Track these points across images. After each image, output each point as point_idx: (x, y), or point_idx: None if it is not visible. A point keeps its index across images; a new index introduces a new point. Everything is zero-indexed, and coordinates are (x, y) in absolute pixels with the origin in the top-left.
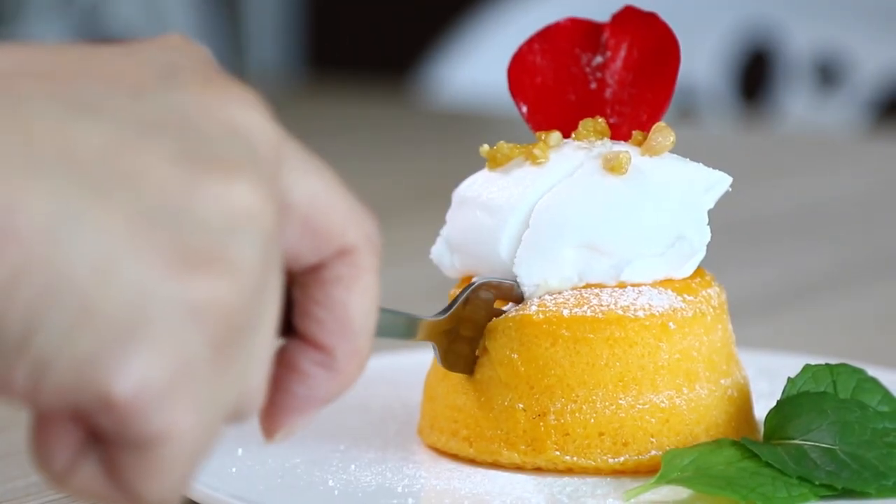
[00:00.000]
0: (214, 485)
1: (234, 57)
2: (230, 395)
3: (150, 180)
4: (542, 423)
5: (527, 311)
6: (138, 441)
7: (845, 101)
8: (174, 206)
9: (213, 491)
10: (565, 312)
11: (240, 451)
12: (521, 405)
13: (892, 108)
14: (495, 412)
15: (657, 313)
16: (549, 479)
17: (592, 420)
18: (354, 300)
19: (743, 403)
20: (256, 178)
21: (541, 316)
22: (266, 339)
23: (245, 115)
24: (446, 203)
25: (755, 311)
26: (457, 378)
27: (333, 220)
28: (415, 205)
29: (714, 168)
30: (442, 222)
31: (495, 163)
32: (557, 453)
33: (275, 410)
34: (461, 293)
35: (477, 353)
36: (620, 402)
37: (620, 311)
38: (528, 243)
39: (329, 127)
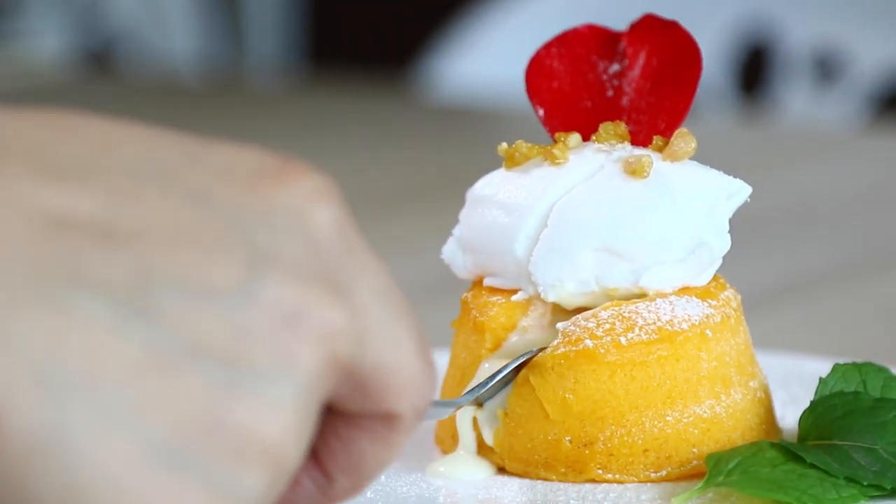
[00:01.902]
0: None
1: (233, 51)
2: None
3: (168, 411)
4: (587, 450)
5: (582, 346)
6: None
7: (844, 95)
8: (181, 444)
9: None
10: (623, 340)
11: None
12: (568, 438)
13: (891, 102)
14: (534, 443)
15: (696, 322)
16: (588, 486)
17: (640, 441)
18: (375, 453)
19: (769, 404)
20: (294, 411)
21: (601, 350)
22: None
23: (316, 325)
24: (444, 197)
25: (752, 307)
26: None
27: (389, 390)
28: (413, 199)
29: (712, 164)
30: (440, 216)
31: (513, 162)
32: (600, 472)
33: None
34: (506, 367)
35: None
36: (668, 418)
37: (669, 328)
38: (546, 243)
39: (328, 121)
